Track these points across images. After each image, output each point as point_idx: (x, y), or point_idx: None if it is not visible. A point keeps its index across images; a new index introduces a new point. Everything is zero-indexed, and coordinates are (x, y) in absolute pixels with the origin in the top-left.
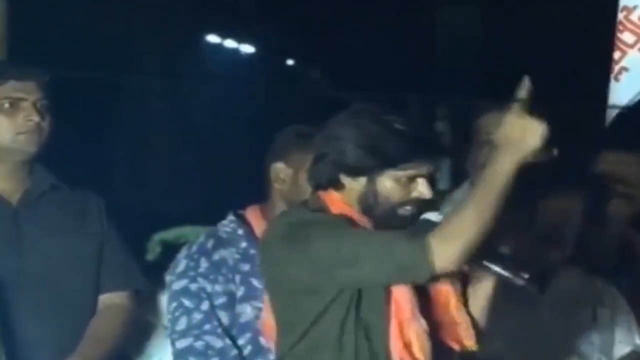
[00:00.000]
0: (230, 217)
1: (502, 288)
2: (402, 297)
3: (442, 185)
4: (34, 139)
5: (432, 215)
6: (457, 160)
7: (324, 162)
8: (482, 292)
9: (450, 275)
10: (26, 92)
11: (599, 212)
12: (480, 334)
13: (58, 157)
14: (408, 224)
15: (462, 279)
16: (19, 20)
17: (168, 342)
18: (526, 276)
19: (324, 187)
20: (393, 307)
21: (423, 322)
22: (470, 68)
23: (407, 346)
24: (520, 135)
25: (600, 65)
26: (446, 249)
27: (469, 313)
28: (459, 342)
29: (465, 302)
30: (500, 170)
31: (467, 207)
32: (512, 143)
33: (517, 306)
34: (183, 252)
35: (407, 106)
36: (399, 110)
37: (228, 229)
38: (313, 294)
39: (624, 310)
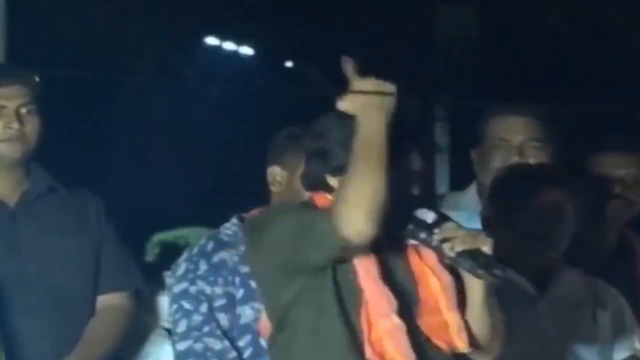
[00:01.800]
0: (233, 220)
1: (500, 290)
2: (372, 294)
3: (442, 189)
4: (16, 146)
5: (421, 213)
6: (458, 163)
7: (312, 163)
8: (472, 295)
9: (439, 276)
10: (7, 98)
11: (597, 214)
12: (475, 337)
13: (57, 157)
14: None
15: (458, 283)
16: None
17: (164, 342)
18: (496, 272)
19: (314, 189)
20: (364, 303)
21: (396, 319)
22: (479, 69)
23: (377, 342)
24: (368, 94)
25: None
26: (350, 216)
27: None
28: (450, 343)
29: (463, 304)
30: (371, 131)
31: (358, 174)
32: (366, 103)
33: (516, 308)
34: (184, 255)
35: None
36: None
37: (229, 232)
38: (283, 281)
39: (625, 312)
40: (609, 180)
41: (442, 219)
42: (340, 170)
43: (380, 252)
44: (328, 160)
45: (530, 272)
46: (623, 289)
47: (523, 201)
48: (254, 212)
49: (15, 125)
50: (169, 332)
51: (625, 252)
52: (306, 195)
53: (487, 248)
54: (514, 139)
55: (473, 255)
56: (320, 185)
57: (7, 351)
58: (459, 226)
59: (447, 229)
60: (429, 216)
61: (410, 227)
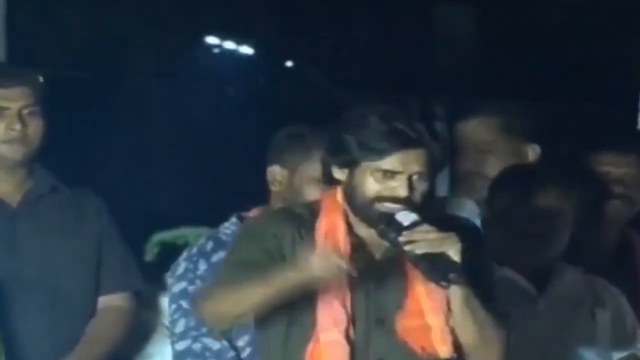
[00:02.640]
0: (233, 219)
1: (500, 289)
2: (323, 309)
3: (442, 190)
4: (18, 148)
5: (401, 215)
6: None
7: (326, 156)
8: (452, 301)
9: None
10: (10, 100)
11: (597, 213)
12: (459, 341)
13: (57, 157)
14: (386, 222)
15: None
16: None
17: (168, 342)
18: (451, 276)
19: (328, 183)
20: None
21: (336, 335)
22: (473, 68)
23: (317, 355)
24: (316, 264)
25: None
26: (203, 308)
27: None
28: (431, 347)
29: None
30: (286, 280)
31: (243, 289)
32: (309, 268)
33: (515, 307)
34: (184, 254)
35: (406, 106)
36: (401, 109)
37: (228, 231)
38: None
39: (624, 311)
40: (609, 179)
41: (423, 221)
42: (347, 163)
43: (372, 254)
44: (338, 153)
45: (529, 271)
46: (624, 289)
47: (517, 200)
48: (254, 211)
49: (18, 127)
50: None
51: (625, 251)
52: (306, 194)
53: (453, 252)
54: (467, 143)
55: (432, 258)
56: (328, 178)
57: (7, 351)
58: (434, 230)
59: (417, 231)
60: (408, 218)
61: (381, 227)
